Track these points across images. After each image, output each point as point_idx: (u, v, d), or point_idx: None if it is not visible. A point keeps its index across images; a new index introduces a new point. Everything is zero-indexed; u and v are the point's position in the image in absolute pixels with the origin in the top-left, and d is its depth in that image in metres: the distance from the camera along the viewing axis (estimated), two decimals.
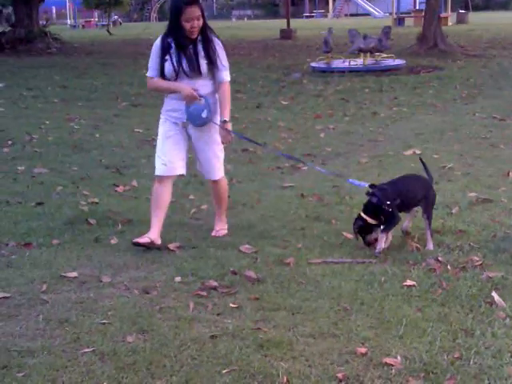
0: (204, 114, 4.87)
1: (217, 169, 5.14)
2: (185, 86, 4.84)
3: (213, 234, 5.24)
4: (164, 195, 5.00)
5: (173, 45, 4.82)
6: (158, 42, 4.90)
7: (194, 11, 4.68)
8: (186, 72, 4.82)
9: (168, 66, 4.84)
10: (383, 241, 4.68)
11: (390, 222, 4.73)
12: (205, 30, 4.83)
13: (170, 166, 4.97)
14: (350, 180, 5.16)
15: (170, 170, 4.98)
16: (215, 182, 5.20)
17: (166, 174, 4.98)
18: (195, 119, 4.91)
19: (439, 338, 3.51)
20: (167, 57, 4.83)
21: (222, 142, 5.01)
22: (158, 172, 5.00)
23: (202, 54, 4.83)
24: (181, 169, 5.04)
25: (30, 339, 3.60)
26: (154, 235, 4.91)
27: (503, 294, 4.00)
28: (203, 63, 4.83)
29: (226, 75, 4.94)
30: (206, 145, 5.03)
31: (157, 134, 5.12)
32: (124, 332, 3.66)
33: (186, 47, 4.81)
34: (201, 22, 4.76)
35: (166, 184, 5.00)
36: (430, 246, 4.80)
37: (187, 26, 4.71)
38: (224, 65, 4.91)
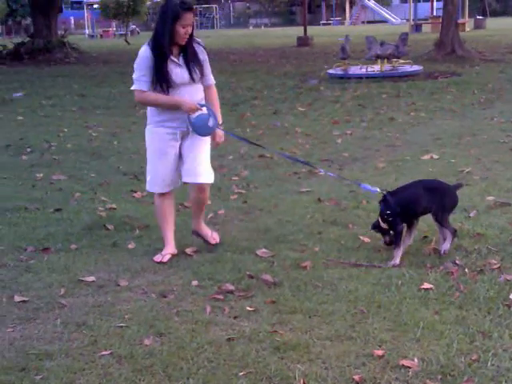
0: (210, 123, 4.78)
1: (211, 171, 4.97)
2: (184, 99, 4.69)
3: (213, 242, 5.13)
4: (169, 208, 5.05)
5: (162, 54, 4.65)
6: (145, 53, 4.68)
7: (191, 17, 4.63)
8: (181, 80, 4.70)
9: (162, 77, 4.66)
10: (398, 257, 4.63)
11: (395, 234, 4.72)
12: (191, 36, 4.75)
13: (170, 181, 4.95)
14: (362, 185, 5.14)
15: (170, 186, 4.98)
16: (207, 186, 4.99)
17: (168, 190, 4.98)
18: (202, 130, 4.78)
19: (456, 340, 3.49)
20: (160, 67, 4.65)
21: (218, 143, 5.01)
22: (159, 190, 4.97)
23: (192, 60, 4.74)
24: (177, 182, 5.02)
25: (47, 342, 3.64)
26: (172, 249, 4.95)
27: None
28: (195, 69, 4.76)
29: (212, 78, 4.97)
30: (199, 147, 4.88)
31: None
32: (141, 335, 3.68)
33: (177, 55, 4.73)
34: (191, 29, 4.68)
35: (169, 197, 5.03)
36: (446, 245, 4.73)
37: (182, 31, 4.61)
38: (209, 69, 4.92)
